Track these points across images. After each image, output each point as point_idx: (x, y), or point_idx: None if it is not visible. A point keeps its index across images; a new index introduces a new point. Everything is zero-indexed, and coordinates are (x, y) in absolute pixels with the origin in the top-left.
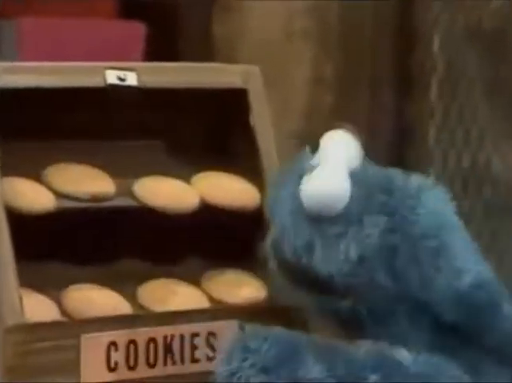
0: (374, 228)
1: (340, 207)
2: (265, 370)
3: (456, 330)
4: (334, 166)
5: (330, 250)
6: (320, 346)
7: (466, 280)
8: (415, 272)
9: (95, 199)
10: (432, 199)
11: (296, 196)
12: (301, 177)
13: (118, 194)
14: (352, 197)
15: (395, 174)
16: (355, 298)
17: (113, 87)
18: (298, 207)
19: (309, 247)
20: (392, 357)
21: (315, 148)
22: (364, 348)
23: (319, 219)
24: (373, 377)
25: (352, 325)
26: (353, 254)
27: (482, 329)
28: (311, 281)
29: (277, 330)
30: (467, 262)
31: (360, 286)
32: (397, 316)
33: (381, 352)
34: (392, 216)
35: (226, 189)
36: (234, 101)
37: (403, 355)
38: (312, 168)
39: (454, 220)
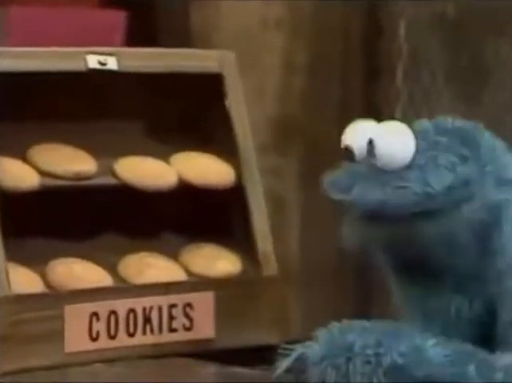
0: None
1: (406, 161)
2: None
3: None
4: (397, 124)
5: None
6: None
7: None
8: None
9: (77, 177)
10: (489, 137)
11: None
12: None
13: (100, 173)
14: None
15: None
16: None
17: (94, 71)
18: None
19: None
20: None
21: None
22: None
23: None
24: None
25: None
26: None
27: None
28: None
29: None
30: None
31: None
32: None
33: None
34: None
35: (203, 168)
36: (210, 85)
37: None
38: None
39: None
